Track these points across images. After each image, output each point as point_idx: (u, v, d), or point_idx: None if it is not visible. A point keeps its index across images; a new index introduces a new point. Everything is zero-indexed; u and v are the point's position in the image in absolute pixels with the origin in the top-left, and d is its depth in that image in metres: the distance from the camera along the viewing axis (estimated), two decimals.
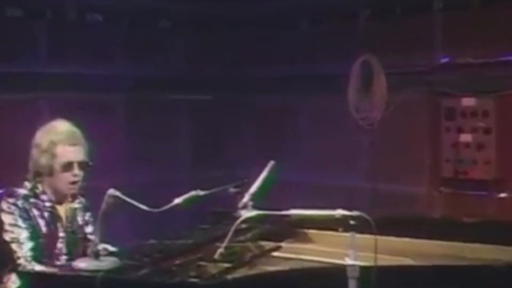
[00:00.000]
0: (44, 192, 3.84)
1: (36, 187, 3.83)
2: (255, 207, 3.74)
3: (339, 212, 2.96)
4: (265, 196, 3.87)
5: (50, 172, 3.80)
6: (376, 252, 2.91)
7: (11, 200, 3.75)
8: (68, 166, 3.78)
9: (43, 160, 3.78)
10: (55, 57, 6.26)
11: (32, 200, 3.79)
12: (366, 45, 6.31)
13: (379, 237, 3.28)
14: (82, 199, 4.02)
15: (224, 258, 3.23)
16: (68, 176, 3.80)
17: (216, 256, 3.17)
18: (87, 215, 4.02)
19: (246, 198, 3.81)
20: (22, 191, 3.81)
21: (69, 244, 3.86)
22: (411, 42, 6.04)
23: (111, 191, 3.36)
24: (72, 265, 3.26)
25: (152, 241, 3.63)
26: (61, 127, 3.86)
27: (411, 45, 6.04)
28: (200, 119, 7.15)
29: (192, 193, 3.72)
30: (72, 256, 3.78)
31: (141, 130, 6.72)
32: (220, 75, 7.06)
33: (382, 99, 6.25)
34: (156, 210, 3.54)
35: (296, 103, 6.94)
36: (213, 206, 4.17)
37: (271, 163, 4.03)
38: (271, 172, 4.00)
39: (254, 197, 3.82)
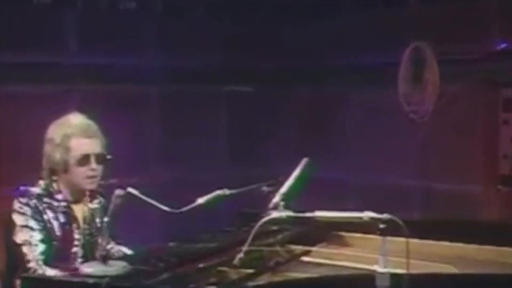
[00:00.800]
0: (59, 191, 3.75)
1: (51, 186, 3.75)
2: (287, 207, 3.62)
3: (367, 214, 2.83)
4: (297, 195, 3.78)
5: (65, 168, 3.72)
6: (408, 258, 2.79)
7: (23, 200, 3.67)
8: (84, 160, 3.71)
9: (57, 155, 3.70)
10: (85, 47, 6.22)
11: (46, 199, 3.71)
12: (417, 31, 6.18)
13: (419, 242, 3.41)
14: (102, 199, 3.92)
15: (245, 263, 3.13)
16: (84, 171, 3.72)
17: (236, 261, 3.07)
18: (106, 216, 3.73)
19: (277, 198, 3.69)
20: (35, 190, 3.72)
21: (86, 248, 3.77)
22: (465, 27, 5.89)
23: (119, 191, 3.26)
24: (79, 269, 3.19)
25: (171, 244, 3.55)
26: (75, 119, 3.79)
27: (465, 31, 5.88)
28: (239, 112, 7.07)
29: (218, 192, 3.69)
30: (88, 260, 3.67)
31: (175, 124, 6.67)
32: (261, 65, 6.95)
33: (434, 89, 6.11)
34: (177, 210, 3.51)
35: (342, 96, 6.82)
36: (243, 206, 4.11)
37: (305, 160, 3.95)
38: (304, 170, 3.92)
39: (285, 197, 3.71)
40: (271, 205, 3.67)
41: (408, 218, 2.82)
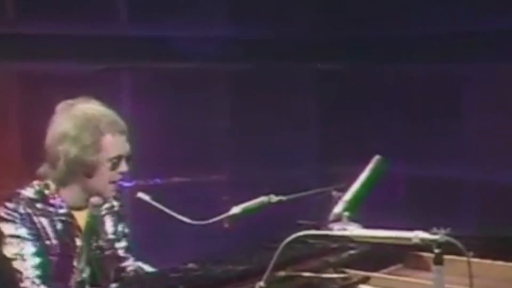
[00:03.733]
0: (55, 194, 3.66)
1: (46, 188, 3.67)
2: (352, 219, 3.51)
3: (418, 235, 2.72)
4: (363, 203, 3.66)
5: (91, 173, 3.62)
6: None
7: (11, 205, 3.60)
8: (117, 162, 3.65)
9: (88, 157, 3.59)
10: (138, 17, 6.19)
11: (39, 205, 3.63)
12: None
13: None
14: (115, 203, 3.85)
15: None
16: (113, 176, 3.65)
17: None
18: (121, 225, 3.86)
19: (339, 208, 3.57)
20: (26, 194, 3.64)
21: (93, 265, 3.73)
22: None
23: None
24: None
25: (190, 264, 3.34)
26: (99, 109, 3.68)
27: None
28: (329, 95, 6.90)
29: (262, 199, 3.69)
30: (96, 281, 3.68)
31: (249, 110, 6.57)
32: (357, 36, 6.75)
33: None
34: (201, 222, 3.58)
35: (461, 73, 6.51)
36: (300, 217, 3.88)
37: (376, 158, 3.87)
38: (376, 170, 3.83)
39: (350, 206, 3.59)
40: (331, 217, 3.56)
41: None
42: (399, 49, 6.75)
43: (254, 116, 6.57)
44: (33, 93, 5.80)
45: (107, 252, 3.76)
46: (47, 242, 3.60)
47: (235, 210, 3.58)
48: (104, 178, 3.64)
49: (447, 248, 2.69)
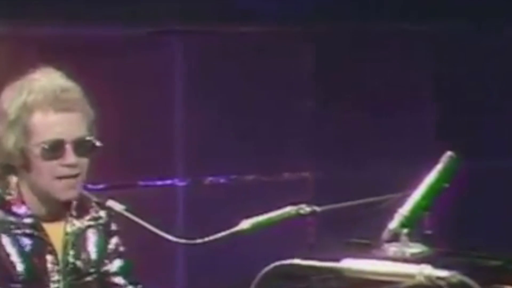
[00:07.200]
0: (21, 201, 3.59)
1: (7, 192, 3.60)
2: (415, 238, 3.60)
3: (423, 270, 2.60)
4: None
5: (25, 163, 3.52)
6: None
7: None
8: (54, 150, 3.51)
9: (11, 139, 3.51)
10: None
11: None
12: None
13: None
14: (102, 214, 3.72)
15: None
16: (54, 168, 3.50)
17: None
18: (113, 243, 3.73)
19: (394, 223, 3.63)
20: None
21: None
22: None
23: None
24: None
25: None
26: (43, 79, 3.56)
27: None
28: (445, 67, 6.74)
29: (287, 209, 3.64)
30: None
31: (340, 86, 6.49)
32: None
33: None
34: (190, 242, 3.55)
35: None
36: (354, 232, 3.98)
37: (448, 154, 3.80)
38: (445, 171, 3.76)
39: (411, 220, 3.65)
40: (385, 235, 3.66)
41: None
42: None
43: (347, 93, 6.48)
44: (59, 62, 5.80)
45: (88, 278, 3.64)
46: (10, 267, 3.54)
47: (244, 225, 3.47)
48: (42, 172, 3.53)
49: None
